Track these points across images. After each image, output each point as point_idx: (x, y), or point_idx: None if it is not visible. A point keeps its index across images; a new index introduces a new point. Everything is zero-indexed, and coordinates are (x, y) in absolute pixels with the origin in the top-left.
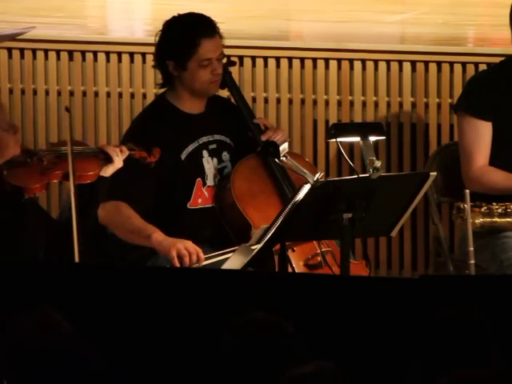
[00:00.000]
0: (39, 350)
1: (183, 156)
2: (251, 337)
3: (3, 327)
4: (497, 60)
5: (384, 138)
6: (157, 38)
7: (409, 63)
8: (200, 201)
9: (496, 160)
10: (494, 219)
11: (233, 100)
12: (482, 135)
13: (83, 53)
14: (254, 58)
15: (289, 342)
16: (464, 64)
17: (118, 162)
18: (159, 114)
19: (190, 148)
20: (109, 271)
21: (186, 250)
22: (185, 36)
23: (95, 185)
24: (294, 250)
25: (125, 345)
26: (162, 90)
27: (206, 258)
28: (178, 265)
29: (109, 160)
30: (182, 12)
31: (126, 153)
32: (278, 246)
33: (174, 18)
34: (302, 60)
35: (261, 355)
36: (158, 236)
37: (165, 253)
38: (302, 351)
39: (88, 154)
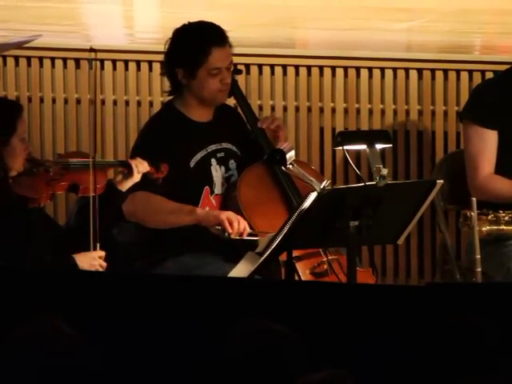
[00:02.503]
0: (41, 357)
1: (192, 164)
2: (256, 345)
3: (6, 335)
4: (503, 68)
5: (391, 145)
6: (166, 46)
7: (415, 71)
8: (207, 209)
9: (502, 168)
10: (501, 227)
11: (239, 108)
12: (487, 144)
13: (90, 61)
14: (260, 66)
15: (294, 351)
16: (471, 72)
17: (137, 177)
18: (168, 122)
19: (199, 156)
20: (113, 278)
21: (234, 217)
22: (195, 44)
23: (105, 197)
24: (300, 258)
25: (128, 352)
26: (169, 98)
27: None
28: (228, 227)
29: (130, 173)
30: (189, 20)
31: (146, 169)
32: (284, 257)
33: (184, 26)
34: (309, 68)
35: (265, 363)
36: (201, 209)
37: (214, 219)
38: (308, 359)
39: (111, 165)
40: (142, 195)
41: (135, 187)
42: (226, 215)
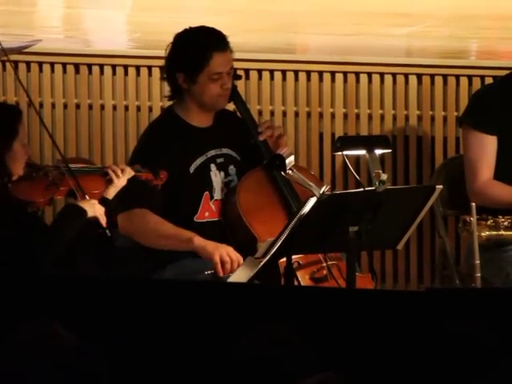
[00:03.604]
0: (40, 361)
1: (192, 169)
2: (259, 350)
3: (5, 338)
4: (503, 73)
5: (390, 151)
6: (167, 51)
7: (415, 76)
8: (207, 214)
9: (501, 174)
10: (500, 232)
11: (238, 113)
12: (487, 149)
13: (89, 66)
14: (260, 71)
15: (295, 355)
16: (470, 77)
17: (119, 182)
18: (168, 127)
19: (199, 161)
20: (113, 283)
21: (228, 257)
22: (197, 49)
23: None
24: (300, 264)
25: (127, 357)
26: (169, 103)
27: None
28: (220, 271)
29: (110, 180)
30: (188, 25)
31: (131, 173)
32: (284, 264)
33: (185, 30)
34: (308, 73)
35: (269, 369)
36: (199, 239)
37: (207, 257)
38: (308, 365)
39: (91, 172)
40: (140, 213)
41: (133, 195)
42: (220, 255)
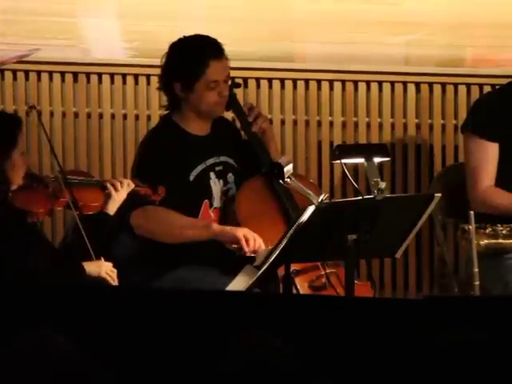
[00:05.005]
0: (40, 370)
1: (192, 177)
2: (253, 359)
3: (5, 348)
4: (501, 81)
5: (388, 159)
6: (163, 60)
7: (413, 84)
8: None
9: (502, 181)
10: (499, 240)
11: (237, 121)
12: (488, 156)
13: (88, 75)
14: (258, 80)
15: (291, 364)
16: (468, 85)
17: (118, 196)
18: (167, 136)
19: (199, 169)
20: (111, 292)
21: (250, 234)
22: (193, 57)
23: (93, 219)
24: (299, 273)
25: (126, 364)
26: (167, 112)
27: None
28: (245, 246)
29: (109, 195)
30: (185, 34)
31: (130, 187)
32: (283, 272)
33: (180, 40)
34: (307, 81)
35: (261, 377)
36: (216, 225)
37: (230, 236)
38: (305, 373)
39: (90, 184)
40: (153, 209)
41: (130, 208)
42: (243, 233)
